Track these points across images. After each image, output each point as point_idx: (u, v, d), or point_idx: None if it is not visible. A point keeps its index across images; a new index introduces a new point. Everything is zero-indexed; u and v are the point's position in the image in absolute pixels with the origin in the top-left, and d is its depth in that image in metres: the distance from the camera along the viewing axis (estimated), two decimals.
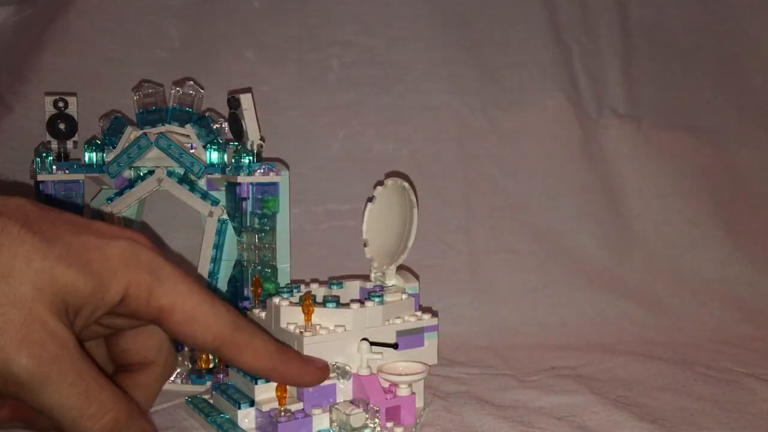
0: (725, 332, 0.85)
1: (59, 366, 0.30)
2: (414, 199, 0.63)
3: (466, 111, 0.91)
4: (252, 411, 0.52)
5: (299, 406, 0.51)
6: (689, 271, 0.92)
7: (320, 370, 0.44)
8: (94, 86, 0.82)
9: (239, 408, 0.52)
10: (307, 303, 0.52)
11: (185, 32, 0.86)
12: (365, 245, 0.60)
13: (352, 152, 0.88)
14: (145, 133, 0.69)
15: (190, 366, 0.66)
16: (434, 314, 0.60)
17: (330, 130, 0.88)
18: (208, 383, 0.64)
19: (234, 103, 0.68)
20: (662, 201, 0.94)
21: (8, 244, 0.30)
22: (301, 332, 0.52)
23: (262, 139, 0.69)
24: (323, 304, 0.55)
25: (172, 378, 0.66)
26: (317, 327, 0.53)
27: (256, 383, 0.52)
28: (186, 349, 0.68)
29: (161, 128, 0.70)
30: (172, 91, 0.71)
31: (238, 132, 0.69)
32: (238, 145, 0.68)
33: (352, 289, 0.63)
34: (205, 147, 0.70)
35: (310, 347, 0.51)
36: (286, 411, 0.50)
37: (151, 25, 0.85)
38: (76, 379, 0.31)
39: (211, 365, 0.65)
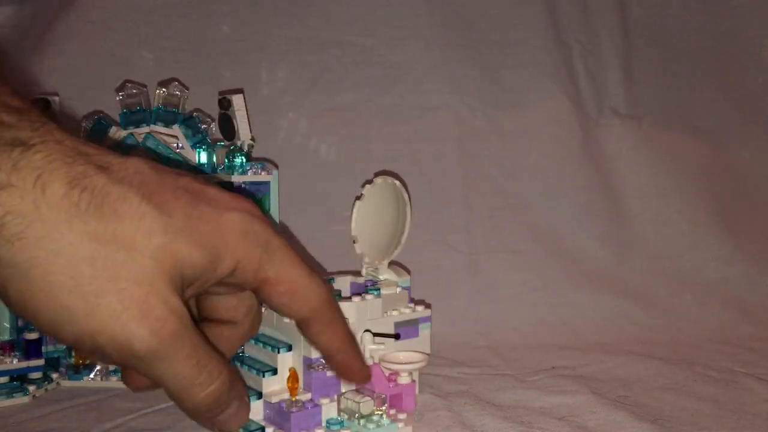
0: (725, 332, 0.85)
1: (177, 340, 0.30)
2: (407, 197, 0.64)
3: (466, 111, 0.91)
4: (260, 403, 0.53)
5: (308, 396, 0.53)
6: (689, 271, 0.92)
7: (369, 373, 0.45)
8: (95, 86, 0.82)
9: (248, 401, 0.53)
10: None
11: (185, 33, 0.86)
12: (354, 242, 0.61)
13: (352, 152, 0.88)
14: (132, 133, 0.70)
15: None
16: (427, 306, 0.62)
17: (330, 130, 0.89)
18: None
19: (225, 104, 0.69)
20: (662, 201, 0.94)
21: (129, 216, 0.30)
22: None
23: (252, 139, 0.70)
24: None
25: None
26: None
27: (263, 376, 0.53)
28: None
29: (146, 129, 0.70)
30: (158, 92, 0.71)
31: (230, 132, 0.69)
32: (230, 145, 0.69)
33: (342, 284, 0.65)
34: (193, 147, 0.70)
35: None
36: (297, 402, 0.52)
37: (152, 25, 0.85)
38: (191, 351, 0.31)
39: None
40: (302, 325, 0.37)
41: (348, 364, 0.40)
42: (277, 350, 0.54)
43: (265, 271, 0.34)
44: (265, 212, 0.35)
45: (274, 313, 0.56)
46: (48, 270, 0.28)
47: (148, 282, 0.30)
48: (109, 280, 0.29)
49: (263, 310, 0.59)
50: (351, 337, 0.39)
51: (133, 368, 0.31)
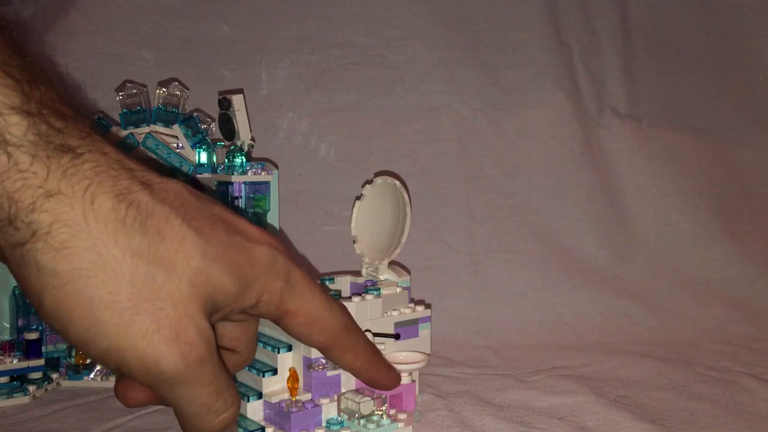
0: (725, 332, 0.85)
1: (202, 366, 0.31)
2: (407, 197, 0.64)
3: (466, 111, 0.91)
4: (260, 403, 0.53)
5: (308, 396, 0.53)
6: (689, 271, 0.92)
7: (397, 376, 0.45)
8: (95, 86, 0.82)
9: (248, 401, 0.53)
10: None
11: (185, 33, 0.86)
12: (354, 242, 0.61)
13: (352, 152, 0.88)
14: (132, 133, 0.70)
15: None
16: (427, 306, 0.62)
17: (330, 130, 0.89)
18: None
19: (225, 104, 0.69)
20: (662, 201, 0.94)
21: (171, 237, 0.30)
22: None
23: (252, 139, 0.70)
24: None
25: None
26: None
27: (263, 376, 0.53)
28: None
29: (146, 129, 0.70)
30: (158, 92, 0.71)
31: (230, 132, 0.69)
32: (230, 145, 0.69)
33: (342, 284, 0.65)
34: (193, 147, 0.70)
35: None
36: (297, 402, 0.52)
37: (152, 25, 0.85)
38: (212, 378, 0.31)
39: None
40: (324, 351, 0.38)
41: (373, 379, 0.41)
42: (277, 350, 0.54)
43: (286, 303, 0.35)
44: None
45: None
46: (88, 283, 0.28)
47: (183, 305, 0.30)
48: (147, 300, 0.29)
49: None
50: (372, 353, 0.41)
51: (150, 387, 0.31)
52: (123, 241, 0.29)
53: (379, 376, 0.42)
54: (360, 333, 0.40)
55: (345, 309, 0.39)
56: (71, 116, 0.30)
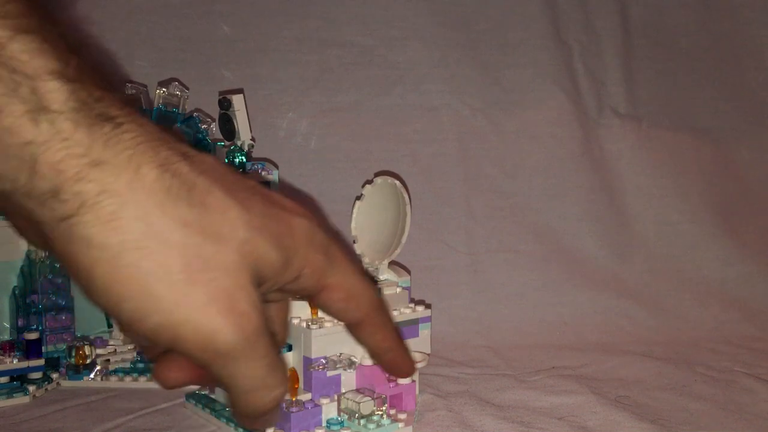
0: (725, 332, 0.85)
1: (258, 338, 0.29)
2: (407, 197, 0.64)
3: (466, 111, 0.91)
4: None
5: (308, 396, 0.53)
6: (689, 271, 0.92)
7: (413, 362, 0.45)
8: None
9: None
10: None
11: (185, 33, 0.86)
12: (354, 242, 0.61)
13: (352, 152, 0.88)
14: None
15: None
16: (427, 306, 0.62)
17: (330, 130, 0.89)
18: None
19: (225, 104, 0.69)
20: (662, 201, 0.94)
21: (215, 208, 0.29)
22: (308, 325, 0.54)
23: (252, 139, 0.70)
24: None
25: None
26: (323, 320, 0.55)
27: None
28: None
29: None
30: (158, 92, 0.71)
31: (230, 132, 0.69)
32: (230, 145, 0.69)
33: None
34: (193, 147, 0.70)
35: (318, 339, 0.53)
36: (297, 402, 0.52)
37: (152, 25, 0.85)
38: (266, 351, 0.30)
39: None
40: (355, 328, 0.37)
41: (396, 362, 0.40)
42: None
43: (326, 277, 0.34)
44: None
45: None
46: (140, 255, 0.27)
47: (235, 275, 0.29)
48: (199, 271, 0.28)
49: None
50: (399, 336, 0.40)
51: (203, 363, 0.29)
52: (171, 211, 0.28)
53: (401, 361, 0.40)
54: (390, 313, 0.39)
55: (377, 288, 0.38)
56: (107, 88, 0.28)
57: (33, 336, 0.65)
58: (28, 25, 0.26)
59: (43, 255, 0.69)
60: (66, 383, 0.67)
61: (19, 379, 0.65)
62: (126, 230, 0.27)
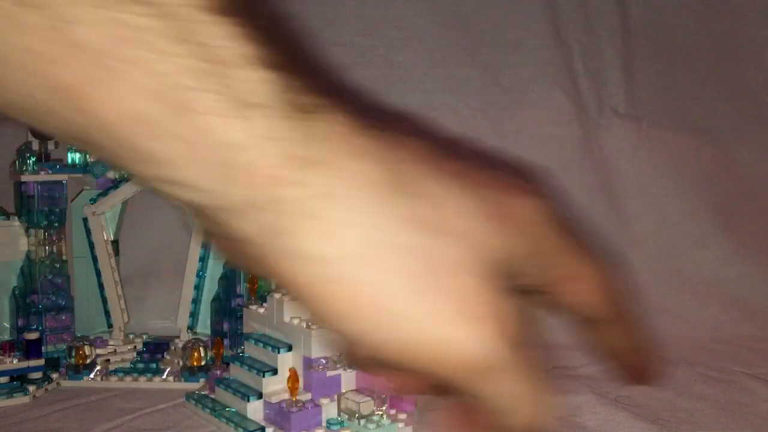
0: (725, 332, 0.85)
1: (516, 348, 0.25)
2: None
3: (466, 111, 0.91)
4: (260, 403, 0.53)
5: (308, 396, 0.53)
6: (689, 271, 0.92)
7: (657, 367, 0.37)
8: None
9: (248, 401, 0.53)
10: None
11: None
12: None
13: None
14: None
15: (181, 363, 0.67)
16: None
17: None
18: (202, 380, 0.64)
19: None
20: (662, 201, 0.94)
21: (431, 198, 0.24)
22: (308, 325, 0.54)
23: None
24: None
25: (163, 375, 0.67)
26: None
27: (263, 376, 0.53)
28: (176, 347, 0.68)
29: None
30: None
31: None
32: None
33: None
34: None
35: (318, 339, 0.53)
36: (297, 402, 0.52)
37: None
38: (524, 362, 0.26)
39: (203, 362, 0.66)
40: (597, 324, 0.32)
41: (642, 365, 0.34)
42: (277, 350, 0.54)
43: (565, 266, 0.29)
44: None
45: (275, 313, 0.56)
46: (366, 263, 0.23)
47: (475, 274, 0.24)
48: (434, 274, 0.23)
49: (261, 310, 0.59)
50: (644, 334, 0.34)
51: (450, 380, 0.25)
52: (391, 209, 0.23)
53: (649, 364, 0.33)
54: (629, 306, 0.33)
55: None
56: (296, 72, 0.24)
57: (33, 336, 0.65)
58: (219, 3, 0.22)
59: (43, 255, 0.69)
60: (66, 383, 0.67)
61: (19, 379, 0.65)
62: (349, 237, 0.23)
